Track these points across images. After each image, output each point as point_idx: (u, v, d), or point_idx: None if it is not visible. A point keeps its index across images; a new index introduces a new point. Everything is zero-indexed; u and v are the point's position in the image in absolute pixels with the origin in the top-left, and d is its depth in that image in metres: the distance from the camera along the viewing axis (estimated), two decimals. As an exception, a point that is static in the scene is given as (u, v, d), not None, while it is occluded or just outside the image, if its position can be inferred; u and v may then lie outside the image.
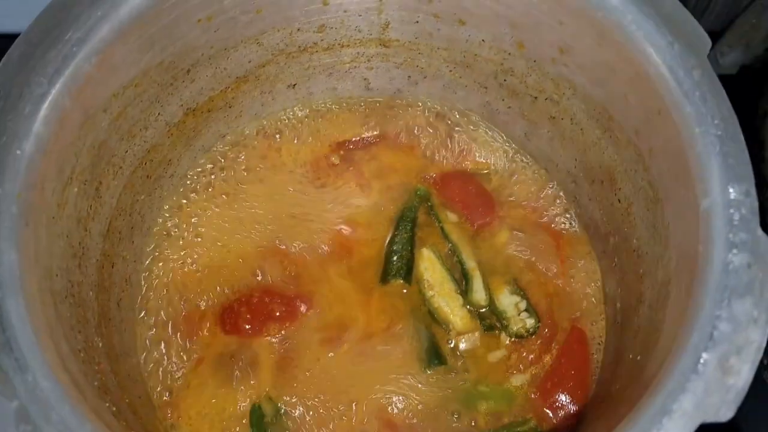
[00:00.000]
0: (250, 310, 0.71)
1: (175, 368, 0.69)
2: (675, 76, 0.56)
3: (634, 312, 0.64)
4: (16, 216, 0.51)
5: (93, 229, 0.63)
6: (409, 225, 0.75)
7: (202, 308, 0.72)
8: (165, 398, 0.68)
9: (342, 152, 0.80)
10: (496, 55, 0.73)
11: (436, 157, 0.80)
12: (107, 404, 0.53)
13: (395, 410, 0.68)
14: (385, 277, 0.73)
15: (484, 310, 0.72)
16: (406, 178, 0.78)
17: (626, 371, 0.61)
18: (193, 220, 0.76)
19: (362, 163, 0.79)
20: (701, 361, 0.47)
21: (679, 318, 0.51)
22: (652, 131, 0.60)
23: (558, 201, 0.78)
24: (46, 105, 0.55)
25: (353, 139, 0.80)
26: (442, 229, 0.76)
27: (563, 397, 0.69)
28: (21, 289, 0.48)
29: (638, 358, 0.58)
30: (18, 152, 0.52)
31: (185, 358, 0.70)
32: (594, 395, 0.69)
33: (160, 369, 0.69)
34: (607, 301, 0.73)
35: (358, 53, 0.78)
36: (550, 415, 0.69)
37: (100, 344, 0.60)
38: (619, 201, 0.69)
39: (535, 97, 0.74)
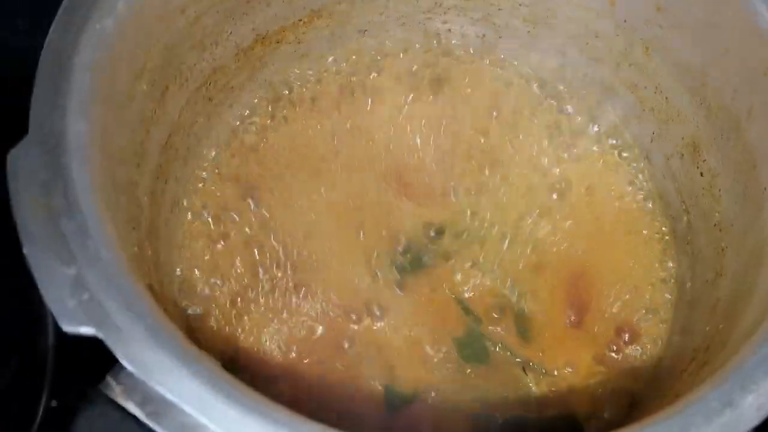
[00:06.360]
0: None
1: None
2: (789, 30, 0.54)
3: (712, 286, 0.60)
4: (89, 88, 0.48)
5: (154, 135, 0.60)
6: None
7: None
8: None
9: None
10: (585, 14, 0.70)
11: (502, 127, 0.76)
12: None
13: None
14: None
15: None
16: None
17: (703, 344, 0.57)
18: (244, 153, 0.72)
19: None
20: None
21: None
22: (755, 90, 0.56)
23: (627, 180, 0.74)
24: (128, -13, 0.52)
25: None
26: None
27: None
28: (87, 159, 0.45)
29: (720, 326, 0.54)
30: (97, 26, 0.50)
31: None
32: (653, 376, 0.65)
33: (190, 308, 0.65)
34: (676, 282, 0.68)
35: (435, 4, 0.75)
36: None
37: (149, 253, 0.57)
38: (702, 174, 0.65)
39: (618, 63, 0.71)
